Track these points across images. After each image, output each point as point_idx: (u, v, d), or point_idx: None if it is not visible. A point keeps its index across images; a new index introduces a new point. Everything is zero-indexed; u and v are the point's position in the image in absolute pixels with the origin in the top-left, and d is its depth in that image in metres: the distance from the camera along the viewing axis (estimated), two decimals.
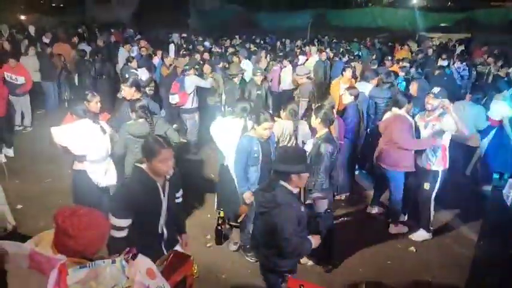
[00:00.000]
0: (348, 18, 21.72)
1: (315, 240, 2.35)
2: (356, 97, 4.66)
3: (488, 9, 22.23)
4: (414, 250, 3.91)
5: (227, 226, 4.06)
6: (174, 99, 5.70)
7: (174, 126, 6.37)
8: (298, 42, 12.74)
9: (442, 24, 19.37)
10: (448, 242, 4.06)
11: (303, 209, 2.34)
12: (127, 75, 5.73)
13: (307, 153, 3.30)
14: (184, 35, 14.12)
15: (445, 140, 3.75)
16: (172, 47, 10.37)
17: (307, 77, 5.66)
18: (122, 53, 8.63)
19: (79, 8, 24.09)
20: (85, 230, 1.55)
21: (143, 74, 6.15)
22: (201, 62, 6.66)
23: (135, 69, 6.22)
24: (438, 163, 3.77)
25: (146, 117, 3.48)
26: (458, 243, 4.00)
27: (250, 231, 3.51)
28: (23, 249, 1.55)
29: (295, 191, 2.35)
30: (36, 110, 7.60)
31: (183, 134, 6.22)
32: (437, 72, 7.36)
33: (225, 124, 3.86)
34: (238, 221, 3.59)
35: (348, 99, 4.65)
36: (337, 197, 4.82)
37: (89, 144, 3.47)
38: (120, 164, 3.76)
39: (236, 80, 5.60)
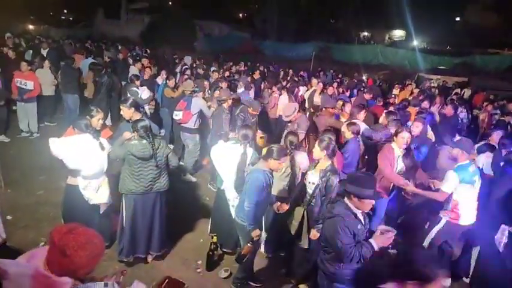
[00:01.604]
0: (351, 53, 22.35)
1: (377, 241, 2.43)
2: (357, 133, 4.73)
3: (485, 55, 23.10)
4: None
5: (219, 252, 4.00)
6: (177, 115, 5.73)
7: (172, 146, 6.43)
8: (302, 73, 13.04)
9: (441, 67, 19.97)
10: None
11: (359, 226, 2.48)
12: (128, 94, 5.86)
13: (315, 185, 3.36)
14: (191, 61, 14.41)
15: (458, 194, 3.60)
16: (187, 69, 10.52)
17: (302, 109, 5.74)
18: (133, 72, 8.76)
19: (88, 22, 24.82)
20: (80, 249, 1.54)
21: (144, 93, 6.23)
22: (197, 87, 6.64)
23: (137, 88, 6.31)
24: (445, 213, 3.72)
25: (148, 137, 3.48)
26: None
27: (250, 267, 3.46)
28: (25, 268, 1.51)
29: (356, 210, 2.53)
30: (40, 122, 7.62)
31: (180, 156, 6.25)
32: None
33: (225, 149, 3.90)
34: (243, 260, 3.30)
35: (348, 135, 4.72)
36: None
37: (84, 159, 3.46)
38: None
39: (225, 105, 5.52)
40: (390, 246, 2.53)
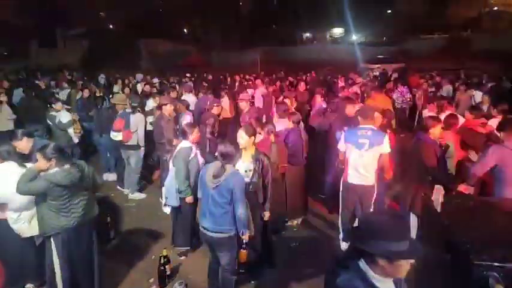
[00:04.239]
0: (295, 54, 23.10)
1: None
2: (297, 122, 4.77)
3: (418, 40, 25.00)
4: None
5: (172, 265, 3.77)
6: (116, 136, 5.40)
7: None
8: (249, 77, 13.21)
9: (379, 56, 21.17)
10: None
11: None
12: (47, 120, 5.60)
13: (252, 171, 3.34)
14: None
15: (346, 153, 3.98)
16: (139, 87, 10.17)
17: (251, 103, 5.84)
18: (74, 96, 8.33)
19: (23, 54, 23.37)
20: None
21: (63, 116, 5.84)
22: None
23: (56, 112, 5.86)
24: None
25: (69, 160, 3.07)
26: None
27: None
28: None
29: (379, 279, 1.49)
30: None
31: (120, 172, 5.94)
32: None
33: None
34: (241, 270, 3.21)
35: (290, 125, 4.75)
36: (289, 223, 4.76)
37: (12, 191, 3.10)
38: None
39: (166, 112, 5.23)
40: None
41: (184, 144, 3.85)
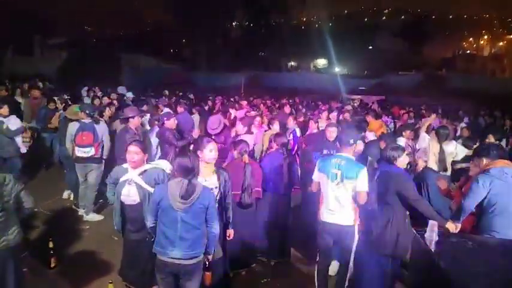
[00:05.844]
0: (280, 80, 23.32)
1: None
2: (282, 145, 4.21)
3: (397, 76, 26.10)
4: None
5: None
6: (88, 152, 4.75)
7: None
8: (231, 99, 13.02)
9: (361, 88, 21.71)
10: None
11: None
12: None
13: (218, 188, 3.08)
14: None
15: (320, 184, 3.51)
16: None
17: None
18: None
19: None
20: None
21: (11, 122, 5.23)
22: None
23: (4, 118, 5.19)
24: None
25: None
26: None
27: None
28: None
29: None
30: None
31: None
32: None
33: None
34: None
35: (274, 146, 4.25)
36: (260, 257, 4.15)
37: None
38: None
39: (131, 125, 4.78)
40: None
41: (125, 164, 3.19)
